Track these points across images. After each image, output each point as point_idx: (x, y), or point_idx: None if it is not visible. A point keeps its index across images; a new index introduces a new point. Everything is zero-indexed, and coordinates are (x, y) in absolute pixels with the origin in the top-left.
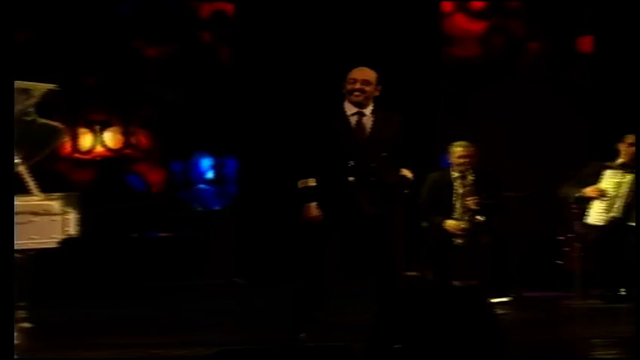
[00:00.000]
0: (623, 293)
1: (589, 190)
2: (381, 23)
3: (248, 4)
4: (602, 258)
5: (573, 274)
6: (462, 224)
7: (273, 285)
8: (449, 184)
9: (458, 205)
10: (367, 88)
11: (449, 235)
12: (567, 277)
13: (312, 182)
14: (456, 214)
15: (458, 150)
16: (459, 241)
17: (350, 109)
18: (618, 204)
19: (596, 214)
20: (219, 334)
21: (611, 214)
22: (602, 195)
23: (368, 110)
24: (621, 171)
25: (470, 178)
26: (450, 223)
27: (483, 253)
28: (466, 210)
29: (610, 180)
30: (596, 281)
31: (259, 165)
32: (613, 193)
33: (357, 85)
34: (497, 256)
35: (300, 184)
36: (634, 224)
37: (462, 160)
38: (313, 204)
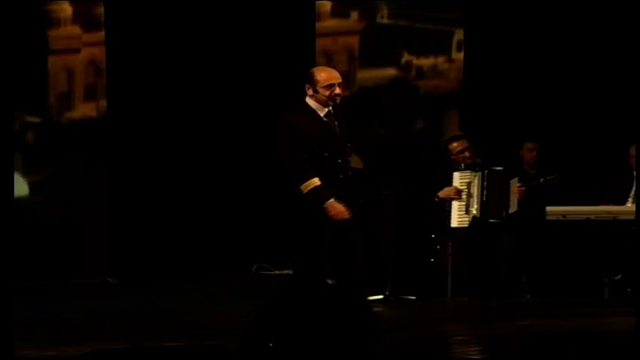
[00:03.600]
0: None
1: (443, 192)
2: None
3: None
4: (470, 257)
5: (445, 272)
6: None
7: (146, 284)
8: None
9: None
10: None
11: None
12: (440, 274)
13: (317, 181)
14: None
15: None
16: None
17: (321, 110)
18: (474, 203)
19: (457, 216)
20: (91, 334)
21: (471, 214)
22: (458, 193)
23: (330, 109)
24: (469, 171)
25: None
26: None
27: (358, 251)
28: None
29: (461, 181)
30: (466, 279)
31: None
32: (466, 193)
33: (338, 90)
34: (371, 254)
35: (306, 187)
36: (496, 220)
37: None
38: (332, 199)
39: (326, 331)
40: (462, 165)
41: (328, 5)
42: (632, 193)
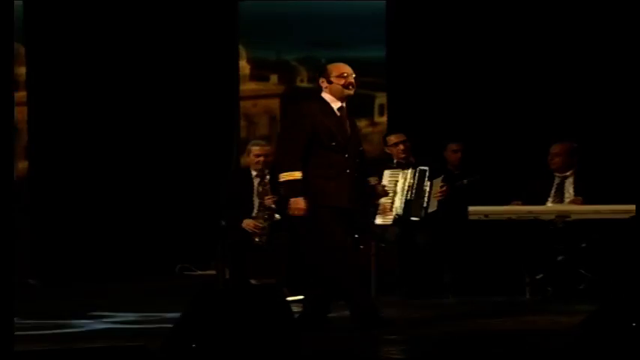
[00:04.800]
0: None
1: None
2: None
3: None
4: (400, 256)
5: (369, 272)
6: (260, 223)
7: (67, 285)
8: (248, 183)
9: (256, 203)
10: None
11: (247, 233)
12: (363, 275)
13: (298, 175)
14: (255, 213)
15: (255, 149)
16: (257, 239)
17: (335, 103)
18: (398, 201)
19: (382, 214)
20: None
21: (395, 212)
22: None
23: (344, 105)
24: (399, 170)
25: (267, 176)
26: (248, 222)
27: (280, 251)
28: (264, 208)
29: (390, 179)
30: (394, 279)
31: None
32: (392, 191)
33: (351, 79)
34: (293, 255)
35: (286, 176)
36: (416, 218)
37: (258, 159)
38: (301, 198)
39: (248, 331)
40: (395, 162)
41: (247, 69)
42: (553, 192)
